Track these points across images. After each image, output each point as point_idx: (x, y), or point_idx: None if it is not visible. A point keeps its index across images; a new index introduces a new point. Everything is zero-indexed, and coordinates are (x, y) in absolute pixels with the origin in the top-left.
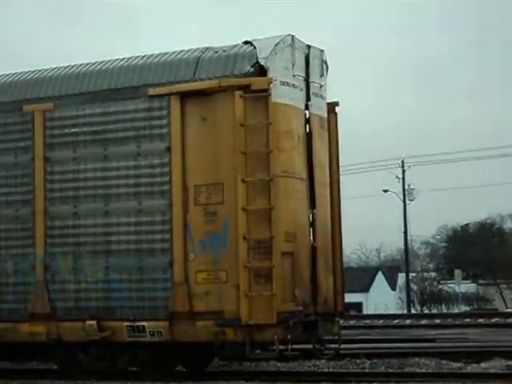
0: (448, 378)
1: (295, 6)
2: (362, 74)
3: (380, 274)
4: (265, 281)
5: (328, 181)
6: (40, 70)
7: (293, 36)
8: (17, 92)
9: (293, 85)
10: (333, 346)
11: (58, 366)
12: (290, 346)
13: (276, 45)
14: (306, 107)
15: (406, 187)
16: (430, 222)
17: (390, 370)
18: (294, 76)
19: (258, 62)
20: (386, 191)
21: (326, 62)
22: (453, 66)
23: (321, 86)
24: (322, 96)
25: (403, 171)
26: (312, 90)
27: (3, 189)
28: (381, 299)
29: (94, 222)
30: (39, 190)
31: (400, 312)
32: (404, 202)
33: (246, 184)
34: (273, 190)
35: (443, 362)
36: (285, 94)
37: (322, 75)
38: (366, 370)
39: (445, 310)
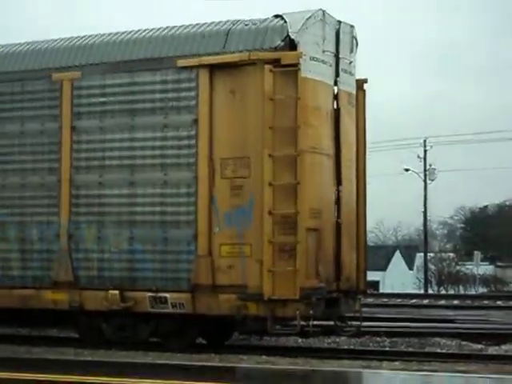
0: (470, 359)
1: None
2: (384, 54)
3: (398, 253)
4: (289, 256)
5: (354, 158)
6: (69, 38)
7: (324, 11)
8: (46, 60)
9: (322, 60)
10: (354, 323)
11: (79, 335)
12: (311, 322)
13: (307, 19)
14: (335, 83)
15: (428, 167)
16: (448, 202)
17: (410, 349)
18: (323, 51)
19: (288, 36)
20: (407, 170)
21: (355, 38)
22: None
23: (350, 63)
24: (350, 72)
25: (425, 151)
26: (341, 66)
27: (30, 156)
28: (398, 278)
29: (119, 192)
30: (65, 159)
31: (417, 292)
32: (425, 181)
33: (273, 159)
34: (299, 165)
35: (463, 343)
36: (314, 70)
37: (351, 51)
38: (387, 349)
39: (462, 291)
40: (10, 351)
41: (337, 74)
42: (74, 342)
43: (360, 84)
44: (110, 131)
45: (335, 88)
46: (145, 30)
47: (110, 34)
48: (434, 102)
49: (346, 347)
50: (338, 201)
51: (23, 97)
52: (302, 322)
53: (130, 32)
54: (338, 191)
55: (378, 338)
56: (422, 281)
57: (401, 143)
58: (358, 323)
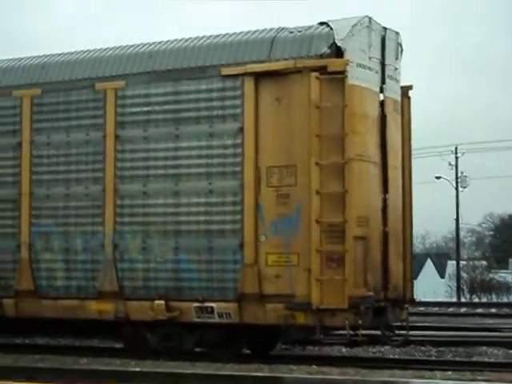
0: None
1: None
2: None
3: (429, 261)
4: (337, 265)
5: (400, 165)
6: (112, 48)
7: (370, 17)
8: (89, 69)
9: (369, 67)
10: (401, 332)
11: (124, 345)
12: (360, 332)
13: (353, 26)
14: (381, 90)
15: (459, 174)
16: (476, 209)
17: (457, 359)
18: (370, 58)
19: (334, 42)
20: (438, 178)
21: (401, 45)
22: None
23: (395, 69)
24: (396, 79)
25: (456, 158)
26: (387, 73)
27: (74, 166)
28: (429, 287)
29: (164, 201)
30: (110, 168)
31: (449, 300)
32: (456, 189)
33: (320, 167)
34: (347, 173)
35: (510, 351)
36: (361, 76)
37: (396, 58)
38: (434, 358)
39: (494, 299)
40: (57, 362)
41: (383, 81)
42: (115, 351)
43: (405, 91)
44: (154, 140)
45: (381, 95)
46: (188, 39)
47: (153, 44)
48: (459, 106)
49: (391, 357)
50: (384, 209)
51: (68, 106)
52: (350, 332)
53: (174, 41)
54: (385, 199)
55: (423, 348)
56: (454, 289)
57: (425, 151)
58: (405, 332)
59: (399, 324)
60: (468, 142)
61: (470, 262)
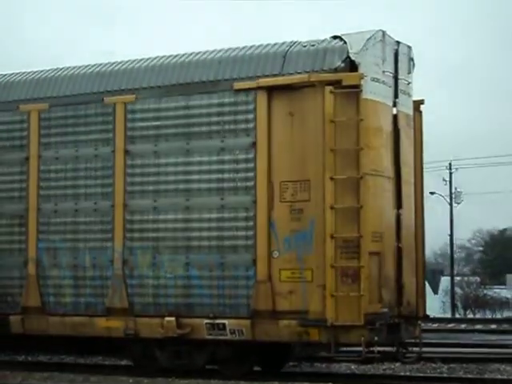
0: None
1: None
2: None
3: None
4: (352, 281)
5: (413, 180)
6: (120, 62)
7: (383, 31)
8: (98, 83)
9: (383, 81)
10: (414, 349)
11: (133, 362)
12: (376, 349)
13: (367, 40)
14: (394, 104)
15: (453, 190)
16: (465, 225)
17: (469, 376)
18: (383, 72)
19: (348, 56)
20: (432, 193)
21: (413, 59)
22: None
23: (408, 83)
24: (408, 93)
25: (450, 174)
26: (400, 87)
27: (83, 181)
28: None
29: (175, 217)
30: (119, 183)
31: (442, 316)
32: (451, 205)
33: (335, 182)
34: (362, 188)
35: None
36: (375, 91)
37: (409, 72)
38: (445, 375)
39: (489, 315)
40: (67, 380)
41: (396, 95)
42: (123, 369)
43: (416, 105)
44: (164, 155)
45: (394, 109)
46: (199, 53)
47: (163, 57)
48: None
49: (403, 374)
50: (398, 224)
51: (76, 121)
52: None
53: (184, 54)
54: (399, 214)
55: (434, 364)
56: (448, 304)
57: (426, 166)
58: (418, 349)
59: (412, 340)
60: (458, 158)
61: (465, 278)
